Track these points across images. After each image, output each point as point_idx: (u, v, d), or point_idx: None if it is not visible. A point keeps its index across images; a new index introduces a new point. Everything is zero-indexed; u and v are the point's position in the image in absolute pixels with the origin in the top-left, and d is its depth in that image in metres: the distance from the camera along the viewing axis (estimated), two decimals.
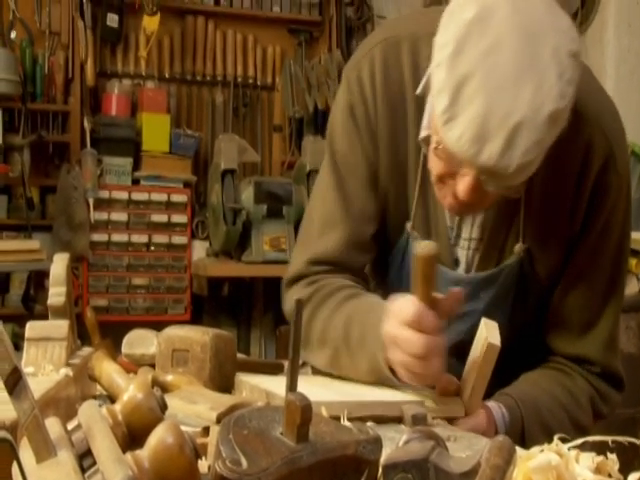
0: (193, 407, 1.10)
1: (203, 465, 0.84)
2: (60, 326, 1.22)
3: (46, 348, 1.18)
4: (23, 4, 4.50)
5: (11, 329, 3.71)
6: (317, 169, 4.82)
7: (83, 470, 0.73)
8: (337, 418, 1.09)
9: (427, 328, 1.21)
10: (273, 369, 1.55)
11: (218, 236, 4.43)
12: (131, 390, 0.85)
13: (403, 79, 1.42)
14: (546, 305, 1.44)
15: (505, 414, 1.33)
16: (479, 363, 1.25)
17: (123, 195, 4.51)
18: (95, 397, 1.27)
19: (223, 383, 1.32)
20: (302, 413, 0.73)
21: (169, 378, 1.26)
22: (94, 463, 0.75)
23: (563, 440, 0.86)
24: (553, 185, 1.36)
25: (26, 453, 0.73)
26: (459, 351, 1.41)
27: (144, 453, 0.74)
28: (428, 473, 0.76)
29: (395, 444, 0.85)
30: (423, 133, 1.33)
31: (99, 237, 4.47)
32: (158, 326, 1.51)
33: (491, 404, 1.32)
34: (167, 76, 4.81)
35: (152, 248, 4.58)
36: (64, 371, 1.14)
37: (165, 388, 1.21)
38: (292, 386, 0.82)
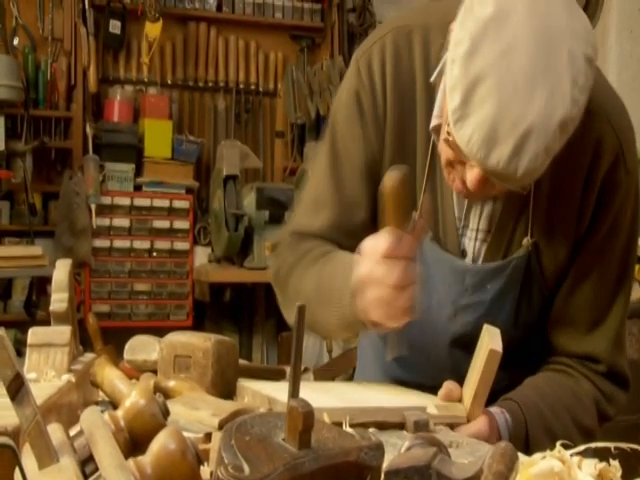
0: (195, 413, 1.10)
1: (205, 471, 0.84)
2: (62, 332, 1.22)
3: (48, 354, 1.18)
4: (26, 11, 4.52)
5: (13, 335, 3.71)
6: None
7: (85, 476, 0.73)
8: (339, 424, 1.09)
9: (402, 253, 1.20)
10: (275, 375, 1.55)
11: (220, 242, 4.43)
12: (133, 396, 0.85)
13: (414, 68, 1.41)
14: (551, 303, 1.44)
15: (508, 419, 1.32)
16: (481, 369, 1.25)
17: (125, 201, 4.51)
18: (97, 403, 1.27)
19: (225, 389, 1.32)
20: (304, 419, 0.73)
21: (171, 384, 1.25)
22: (96, 469, 0.75)
23: (566, 446, 0.85)
24: (562, 181, 1.36)
25: (28, 459, 0.73)
26: (465, 343, 1.40)
27: (146, 459, 0.74)
28: (430, 479, 0.76)
29: (397, 450, 0.85)
30: (434, 122, 1.33)
31: (101, 243, 4.47)
32: (160, 332, 1.51)
33: (494, 409, 1.32)
34: (169, 82, 4.82)
35: (154, 254, 4.59)
36: (66, 377, 1.14)
37: (167, 394, 1.21)
38: (294, 392, 0.82)
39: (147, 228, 4.57)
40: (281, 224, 4.44)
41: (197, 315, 4.69)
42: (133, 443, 0.82)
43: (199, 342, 1.32)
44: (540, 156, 1.15)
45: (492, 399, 1.31)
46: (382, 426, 1.17)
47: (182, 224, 4.63)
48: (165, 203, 4.59)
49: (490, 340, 1.24)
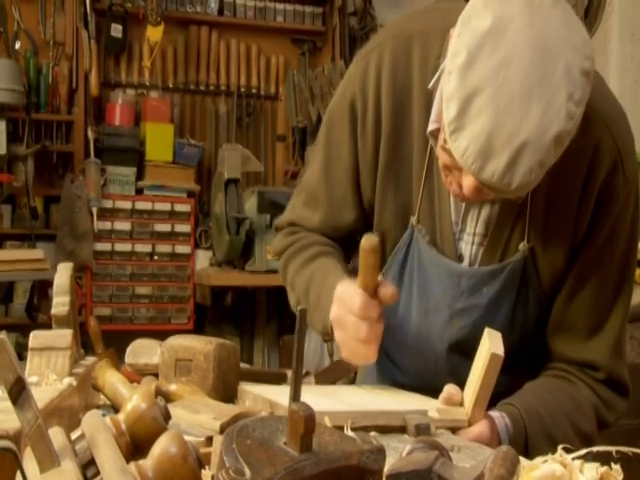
0: (196, 417, 1.10)
1: (206, 475, 0.84)
2: (64, 335, 1.22)
3: (50, 357, 1.18)
4: (28, 15, 4.53)
5: (15, 338, 3.71)
6: None
7: None
8: (341, 428, 1.09)
9: (371, 317, 1.32)
10: (276, 379, 1.55)
11: (221, 245, 4.43)
12: (135, 400, 0.85)
13: (411, 73, 1.43)
14: (548, 309, 1.44)
15: (509, 424, 1.32)
16: (482, 373, 1.24)
17: (127, 205, 4.52)
18: (99, 407, 1.27)
19: (226, 393, 1.32)
20: (305, 423, 0.73)
21: (172, 388, 1.25)
22: (98, 473, 0.75)
23: (567, 450, 0.85)
24: (560, 187, 1.37)
25: (30, 463, 0.73)
26: (462, 347, 1.41)
27: (148, 463, 0.74)
28: None
29: (399, 454, 0.85)
30: (431, 126, 1.34)
31: (103, 246, 4.48)
32: (161, 335, 1.51)
33: (494, 414, 1.32)
34: (171, 86, 4.83)
35: (155, 257, 4.59)
36: (68, 380, 1.14)
37: (168, 398, 1.21)
38: (295, 396, 0.82)
39: (148, 231, 4.57)
40: None
41: (198, 318, 4.69)
42: (134, 447, 0.82)
43: (200, 346, 1.32)
44: (534, 170, 1.16)
45: (490, 403, 1.31)
46: (383, 430, 1.17)
47: (183, 227, 4.64)
48: (166, 206, 4.59)
49: (492, 344, 1.24)
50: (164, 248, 4.60)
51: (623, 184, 1.37)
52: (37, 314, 4.26)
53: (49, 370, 1.17)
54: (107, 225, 4.48)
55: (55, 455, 0.73)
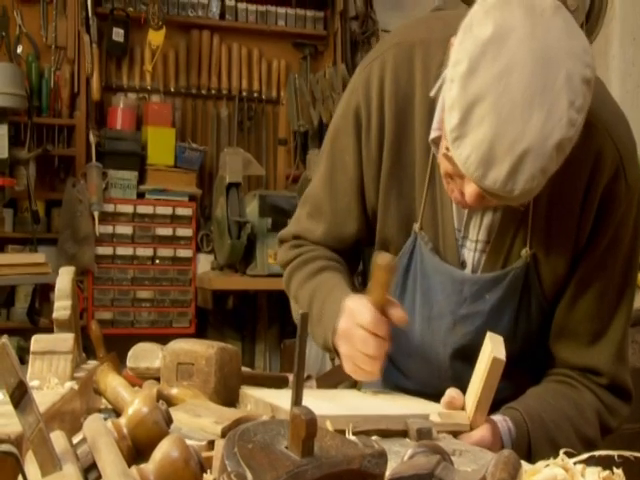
0: (198, 421, 1.10)
1: (208, 479, 0.84)
2: (65, 339, 1.22)
3: (51, 361, 1.18)
4: (29, 19, 4.53)
5: (16, 342, 3.71)
6: None
7: None
8: (342, 432, 1.09)
9: (380, 334, 1.32)
10: (278, 382, 1.55)
11: (223, 249, 4.43)
12: (136, 404, 0.85)
13: (414, 82, 1.43)
14: (550, 315, 1.44)
15: (511, 428, 1.32)
16: (484, 377, 1.24)
17: (128, 208, 4.52)
18: (100, 411, 1.27)
19: (228, 396, 1.32)
20: (307, 427, 0.73)
21: (174, 391, 1.26)
22: (99, 477, 0.75)
23: (569, 454, 0.85)
24: (562, 194, 1.37)
25: (31, 466, 0.73)
26: (464, 354, 1.41)
27: (149, 467, 0.74)
28: None
29: (400, 458, 0.85)
30: (433, 134, 1.35)
31: (104, 250, 4.48)
32: (163, 339, 1.51)
33: (497, 418, 1.32)
34: (172, 90, 4.83)
35: (157, 261, 4.59)
36: (69, 384, 1.15)
37: (170, 401, 1.21)
38: (297, 400, 0.82)
39: (150, 235, 4.57)
40: None
41: (200, 322, 4.69)
42: (136, 451, 0.82)
43: (202, 349, 1.32)
44: (536, 177, 1.16)
45: (493, 409, 1.31)
46: (385, 434, 1.17)
47: (185, 231, 4.63)
48: (168, 210, 4.59)
49: (493, 348, 1.24)
50: (165, 252, 4.60)
51: (625, 190, 1.37)
52: (39, 318, 4.26)
53: (51, 374, 1.17)
54: (109, 229, 4.48)
55: (57, 459, 0.73)
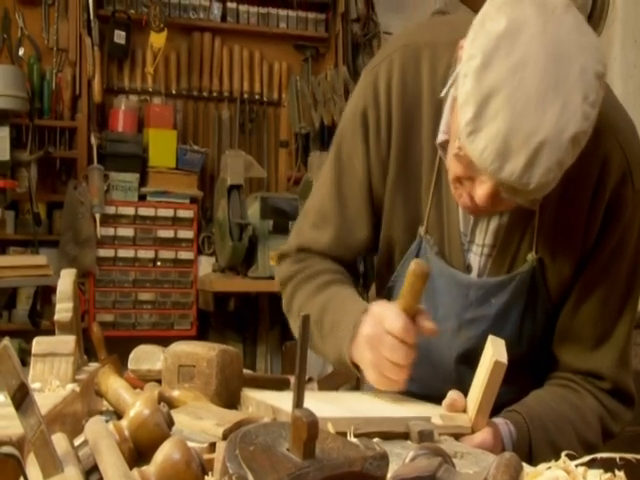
0: (199, 423, 1.10)
1: None
2: (67, 341, 1.22)
3: (53, 364, 1.18)
4: (31, 21, 4.54)
5: (18, 345, 3.71)
6: None
7: None
8: (344, 434, 1.09)
9: (410, 341, 1.28)
10: (279, 385, 1.55)
11: (224, 251, 4.43)
12: (138, 406, 0.85)
13: (421, 85, 1.43)
14: (555, 319, 1.44)
15: (513, 431, 1.32)
16: (486, 380, 1.24)
17: (130, 211, 4.52)
18: (102, 413, 1.27)
19: (229, 399, 1.32)
20: (309, 429, 0.73)
21: (175, 394, 1.25)
22: (101, 479, 0.75)
23: (571, 457, 0.85)
24: (569, 197, 1.37)
25: (33, 469, 0.73)
26: (469, 358, 1.40)
27: (151, 469, 0.74)
28: None
29: (402, 460, 0.84)
30: (440, 138, 1.34)
31: (105, 253, 4.48)
32: (164, 341, 1.51)
33: (499, 421, 1.32)
34: (174, 92, 4.83)
35: (158, 263, 4.59)
36: (71, 387, 1.15)
37: (171, 404, 1.21)
38: (298, 402, 0.82)
39: (151, 238, 4.57)
40: (285, 234, 4.44)
41: (201, 325, 4.69)
42: (137, 453, 0.82)
43: (203, 352, 1.32)
44: (553, 169, 1.16)
45: (496, 412, 1.31)
46: (386, 436, 1.17)
47: (186, 234, 4.64)
48: (169, 213, 4.59)
49: (495, 351, 1.24)
50: (167, 254, 4.60)
51: (632, 195, 1.37)
52: (40, 320, 4.26)
53: (52, 376, 1.17)
54: (110, 231, 4.48)
55: (58, 461, 0.73)
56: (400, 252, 1.49)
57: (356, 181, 1.49)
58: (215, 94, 4.92)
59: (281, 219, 4.47)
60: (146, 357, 1.47)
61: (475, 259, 1.43)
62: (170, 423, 0.86)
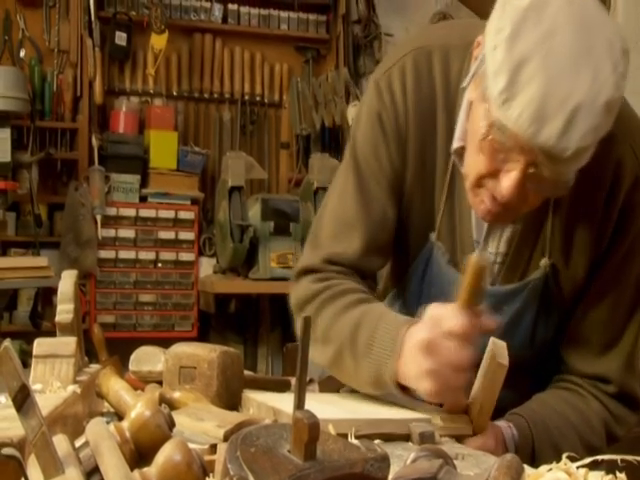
0: (200, 424, 1.10)
1: None
2: (68, 343, 1.22)
3: (54, 365, 1.19)
4: (32, 23, 4.54)
5: (19, 346, 3.70)
6: (324, 186, 4.78)
7: None
8: (345, 436, 1.09)
9: (472, 340, 1.21)
10: (280, 386, 1.54)
11: (225, 253, 4.43)
12: (139, 407, 0.85)
13: (434, 88, 1.42)
14: (567, 323, 1.43)
15: (515, 434, 1.32)
16: (487, 382, 1.24)
17: (131, 212, 4.52)
18: (103, 414, 1.27)
19: (230, 400, 1.32)
20: (310, 431, 0.73)
21: (176, 395, 1.25)
22: None
23: (572, 459, 0.85)
24: (582, 202, 1.36)
25: (34, 470, 0.73)
26: (479, 366, 1.40)
27: (152, 470, 0.74)
28: None
29: (403, 462, 0.84)
30: (456, 144, 1.34)
31: (107, 254, 4.48)
32: (165, 343, 1.51)
33: (501, 423, 1.32)
34: (175, 93, 4.83)
35: (159, 265, 4.59)
36: (72, 388, 1.15)
37: (172, 405, 1.21)
38: (300, 403, 0.81)
39: (152, 239, 4.58)
40: (286, 235, 4.45)
41: (202, 326, 4.69)
42: (139, 454, 0.82)
43: (204, 353, 1.32)
44: (589, 134, 1.15)
45: (499, 415, 1.31)
46: (388, 438, 1.17)
47: (187, 235, 4.64)
48: (170, 214, 4.59)
49: (496, 353, 1.24)
50: (168, 255, 4.60)
51: None
52: (41, 321, 4.26)
53: (53, 377, 1.17)
54: (111, 232, 4.48)
55: (59, 463, 0.73)
56: (412, 256, 1.47)
57: (378, 183, 1.45)
58: (216, 95, 4.92)
59: (282, 221, 4.47)
60: (147, 358, 1.47)
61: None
62: (171, 424, 0.86)
